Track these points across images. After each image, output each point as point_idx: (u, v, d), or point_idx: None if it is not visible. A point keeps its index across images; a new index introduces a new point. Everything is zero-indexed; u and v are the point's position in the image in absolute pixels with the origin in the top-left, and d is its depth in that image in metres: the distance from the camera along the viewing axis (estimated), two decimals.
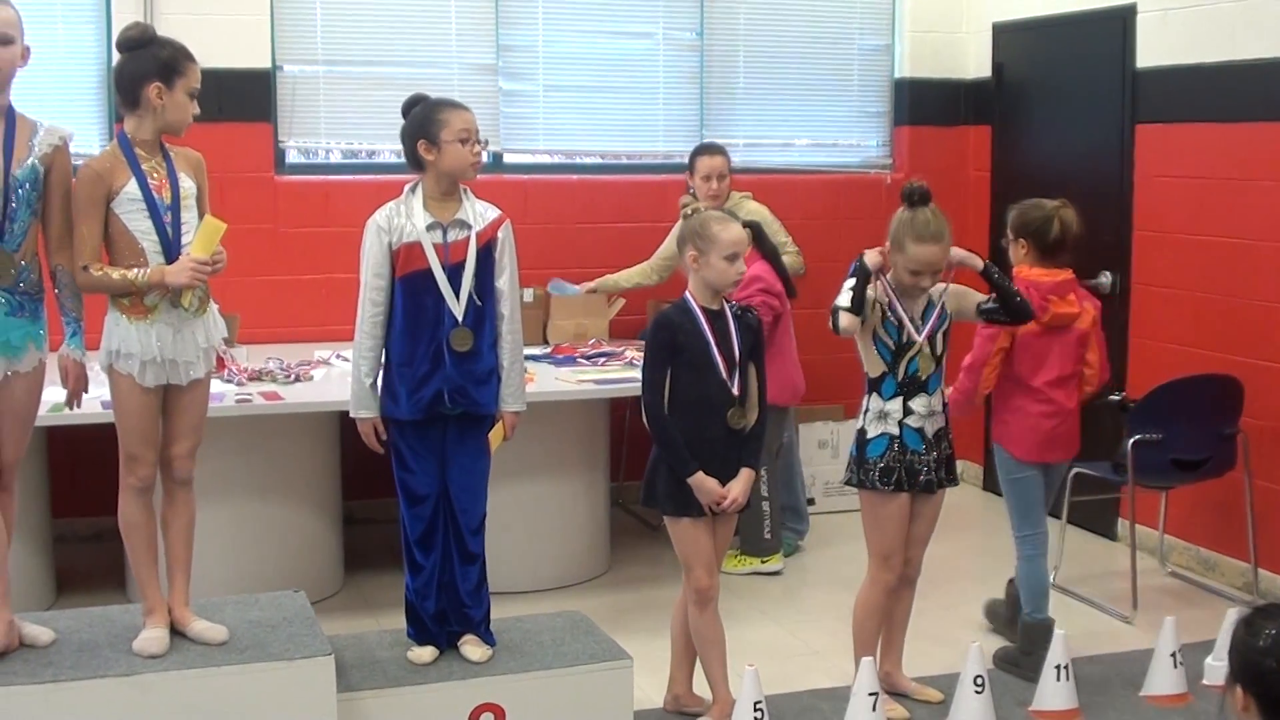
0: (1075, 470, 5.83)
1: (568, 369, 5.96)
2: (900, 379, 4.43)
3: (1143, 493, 5.82)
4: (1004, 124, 7.45)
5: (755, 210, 6.37)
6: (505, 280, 4.16)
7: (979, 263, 4.51)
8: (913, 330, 4.40)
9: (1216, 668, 4.67)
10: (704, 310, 4.27)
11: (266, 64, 6.54)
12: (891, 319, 4.42)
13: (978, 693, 4.39)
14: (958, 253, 4.47)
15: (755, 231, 5.91)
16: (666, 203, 6.62)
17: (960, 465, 5.23)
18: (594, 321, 6.69)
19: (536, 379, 5.59)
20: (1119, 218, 6.55)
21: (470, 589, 4.22)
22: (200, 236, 3.75)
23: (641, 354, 4.66)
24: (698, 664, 4.49)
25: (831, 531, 6.62)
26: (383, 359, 4.15)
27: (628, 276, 6.71)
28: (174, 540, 3.97)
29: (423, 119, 4.08)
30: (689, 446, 4.22)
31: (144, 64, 3.72)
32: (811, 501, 6.83)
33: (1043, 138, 7.19)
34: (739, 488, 4.26)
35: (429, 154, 4.06)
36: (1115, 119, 6.59)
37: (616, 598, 5.79)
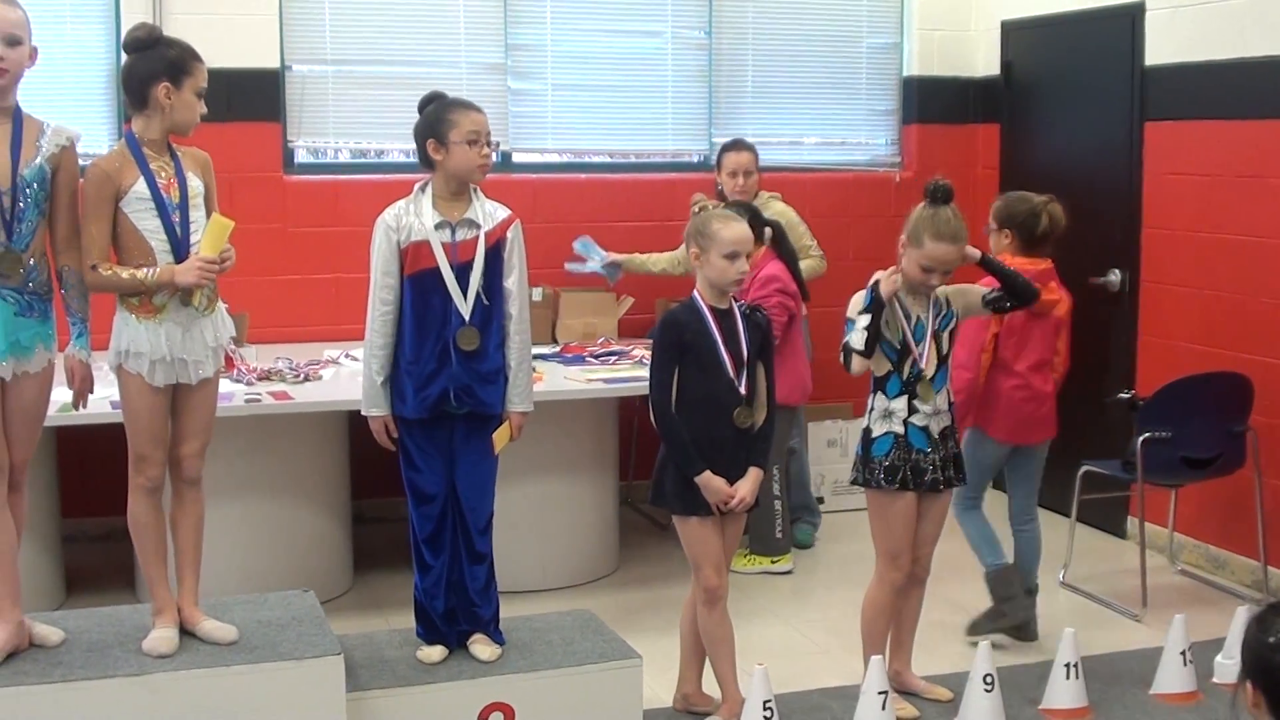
0: (1085, 468, 5.84)
1: (577, 368, 5.96)
2: (905, 378, 4.43)
3: (1152, 491, 5.82)
4: (1013, 122, 7.44)
5: (781, 211, 6.36)
6: (514, 280, 4.15)
7: (976, 253, 4.54)
8: (912, 341, 4.40)
9: (1227, 666, 4.67)
10: (712, 309, 4.26)
11: (275, 64, 6.55)
12: (898, 316, 4.42)
13: (987, 691, 4.38)
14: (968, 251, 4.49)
15: (776, 232, 5.91)
16: (675, 201, 6.61)
17: None
18: (603, 320, 6.69)
19: (545, 378, 5.60)
20: (1128, 215, 6.54)
21: (479, 588, 4.22)
22: (208, 235, 3.76)
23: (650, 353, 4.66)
24: (707, 663, 4.49)
25: (841, 530, 6.62)
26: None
27: (655, 261, 6.67)
28: (183, 540, 3.98)
29: (433, 119, 4.08)
30: (697, 446, 4.21)
31: (151, 64, 3.72)
32: (821, 500, 6.83)
33: (1052, 136, 7.18)
34: (747, 487, 4.26)
35: (437, 154, 4.06)
36: (1124, 117, 6.58)
37: (625, 597, 5.79)
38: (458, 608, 4.22)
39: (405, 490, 4.20)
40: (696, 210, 4.34)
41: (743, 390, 4.24)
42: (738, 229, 4.24)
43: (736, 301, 4.33)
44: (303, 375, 5.56)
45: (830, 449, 7.01)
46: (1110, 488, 5.97)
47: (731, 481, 4.24)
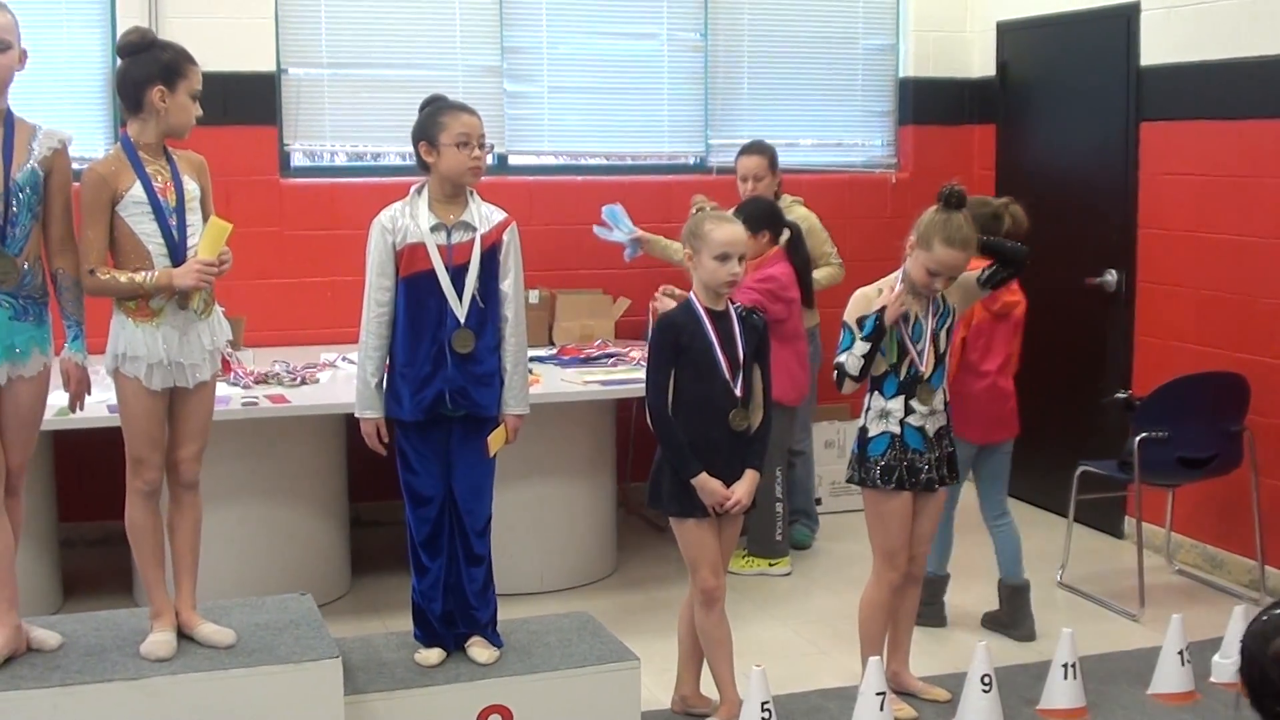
0: (1082, 468, 5.84)
1: (574, 370, 5.96)
2: (903, 379, 4.43)
3: (1149, 490, 5.82)
4: (1008, 123, 7.44)
5: (803, 216, 6.33)
6: (510, 283, 4.15)
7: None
8: (910, 343, 4.40)
9: (1224, 665, 4.67)
10: (708, 311, 4.25)
11: (271, 67, 6.55)
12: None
13: (985, 691, 4.38)
14: None
15: (794, 235, 5.90)
16: (672, 204, 6.62)
17: None
18: (599, 322, 6.69)
19: (542, 380, 5.59)
20: (1124, 216, 6.54)
21: (476, 590, 4.22)
22: (207, 237, 3.76)
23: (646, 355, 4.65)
24: (705, 664, 4.49)
25: (838, 531, 6.62)
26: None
27: (678, 249, 6.57)
28: (180, 543, 3.98)
29: (426, 121, 4.08)
30: (693, 447, 4.21)
31: (146, 67, 3.72)
32: (819, 501, 6.82)
33: (1047, 136, 7.18)
34: (743, 489, 4.25)
35: (429, 156, 4.06)
36: (1120, 117, 6.58)
37: (623, 599, 5.79)
38: (455, 610, 4.22)
39: (402, 493, 4.20)
40: (694, 211, 4.34)
41: (738, 392, 4.24)
42: (730, 230, 4.21)
43: (733, 303, 4.33)
44: (299, 378, 5.56)
45: (828, 450, 7.01)
46: (1107, 488, 5.97)
47: (728, 483, 4.23)
